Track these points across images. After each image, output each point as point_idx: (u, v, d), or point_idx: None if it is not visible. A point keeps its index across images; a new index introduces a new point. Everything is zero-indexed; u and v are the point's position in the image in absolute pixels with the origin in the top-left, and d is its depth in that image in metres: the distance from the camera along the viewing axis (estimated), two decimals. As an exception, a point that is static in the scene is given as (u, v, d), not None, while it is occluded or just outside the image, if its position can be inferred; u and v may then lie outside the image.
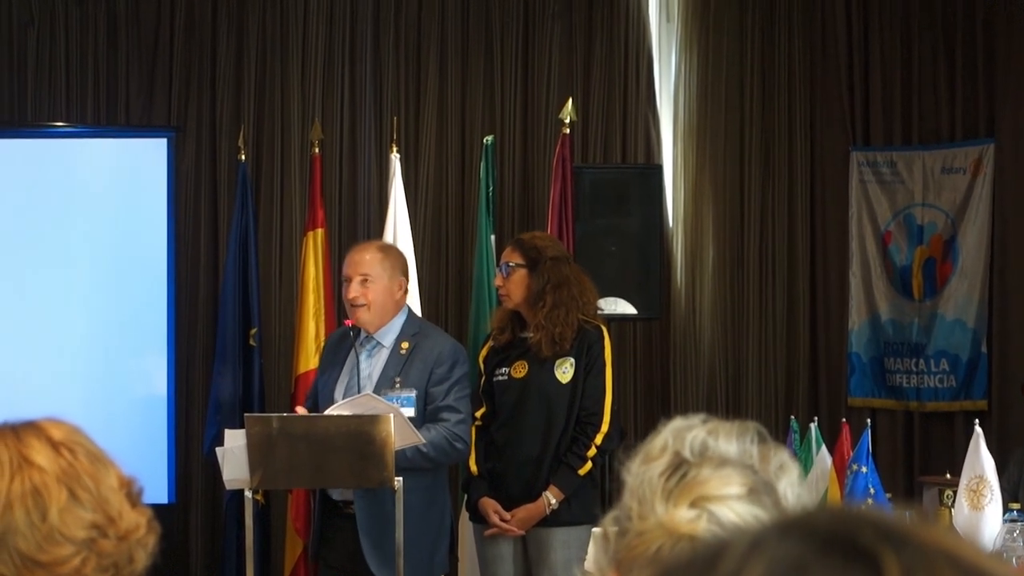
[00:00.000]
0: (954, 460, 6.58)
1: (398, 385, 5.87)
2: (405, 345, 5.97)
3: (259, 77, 8.35)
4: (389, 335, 6.01)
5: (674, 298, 8.27)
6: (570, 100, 7.57)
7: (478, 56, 8.35)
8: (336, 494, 5.94)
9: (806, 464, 5.66)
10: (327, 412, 5.67)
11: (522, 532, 6.11)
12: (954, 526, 5.16)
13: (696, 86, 8.37)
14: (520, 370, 6.18)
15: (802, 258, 8.36)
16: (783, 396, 8.31)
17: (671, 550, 1.78)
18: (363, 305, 5.95)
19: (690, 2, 8.37)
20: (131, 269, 7.78)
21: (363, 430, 5.45)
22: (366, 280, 5.97)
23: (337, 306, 7.47)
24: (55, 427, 1.95)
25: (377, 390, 5.85)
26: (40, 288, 7.68)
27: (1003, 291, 8.01)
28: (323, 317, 7.53)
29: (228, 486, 5.87)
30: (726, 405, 8.16)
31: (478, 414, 6.17)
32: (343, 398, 5.81)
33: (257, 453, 5.50)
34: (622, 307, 7.39)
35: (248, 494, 5.68)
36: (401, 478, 5.47)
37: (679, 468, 1.85)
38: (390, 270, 6.02)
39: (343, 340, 6.13)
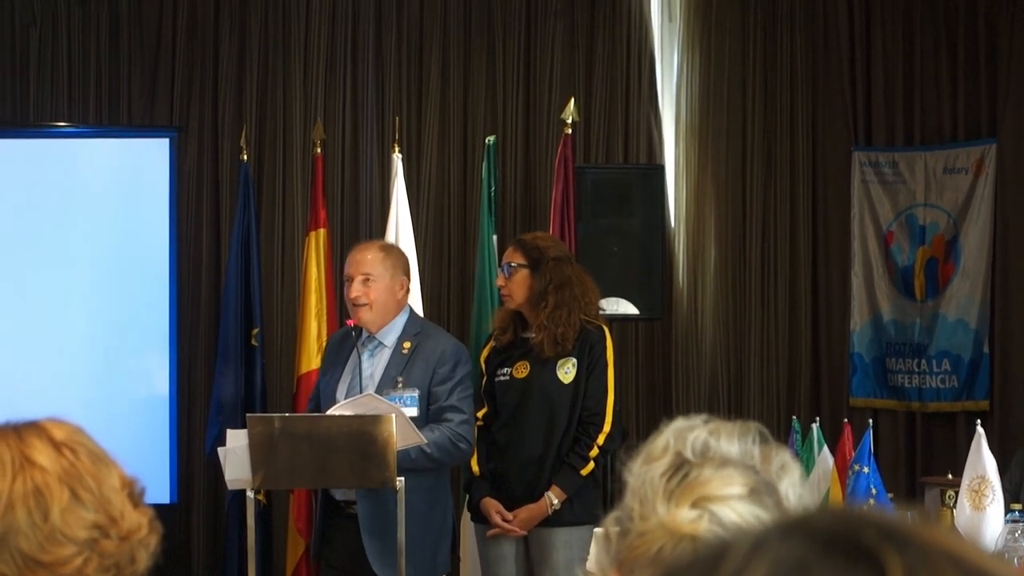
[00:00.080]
0: (956, 460, 6.57)
1: (400, 385, 5.87)
2: (407, 345, 5.97)
3: (261, 77, 8.35)
4: (391, 335, 6.01)
5: (676, 298, 8.27)
6: (572, 100, 7.57)
7: (480, 56, 8.35)
8: (339, 494, 5.94)
9: (808, 464, 5.66)
10: (329, 412, 5.67)
11: (524, 532, 6.11)
12: (956, 526, 5.15)
13: (698, 86, 8.37)
14: (522, 370, 6.18)
15: (804, 258, 8.36)
16: (785, 396, 8.31)
17: (673, 550, 1.78)
18: (365, 304, 5.95)
19: (692, 2, 8.37)
20: (133, 269, 7.78)
21: (365, 430, 5.45)
22: (368, 279, 5.97)
23: (339, 306, 7.47)
24: (57, 427, 1.96)
25: (379, 390, 5.85)
26: (42, 288, 7.68)
27: (1005, 291, 8.01)
28: (325, 317, 7.53)
29: (230, 486, 5.87)
30: (728, 405, 8.16)
31: (479, 414, 6.17)
32: (345, 398, 5.81)
33: (259, 453, 5.50)
34: (624, 307, 7.39)
35: (250, 494, 5.67)
36: (403, 478, 5.47)
37: (681, 468, 1.85)
38: (392, 269, 6.02)
39: (345, 340, 6.13)
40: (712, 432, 1.90)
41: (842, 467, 5.70)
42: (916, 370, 8.19)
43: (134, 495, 1.95)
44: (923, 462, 8.09)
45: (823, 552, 0.86)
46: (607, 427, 6.10)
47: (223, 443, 5.66)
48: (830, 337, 8.35)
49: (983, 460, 5.24)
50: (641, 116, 8.33)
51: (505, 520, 6.10)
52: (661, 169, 8.08)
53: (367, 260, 6.01)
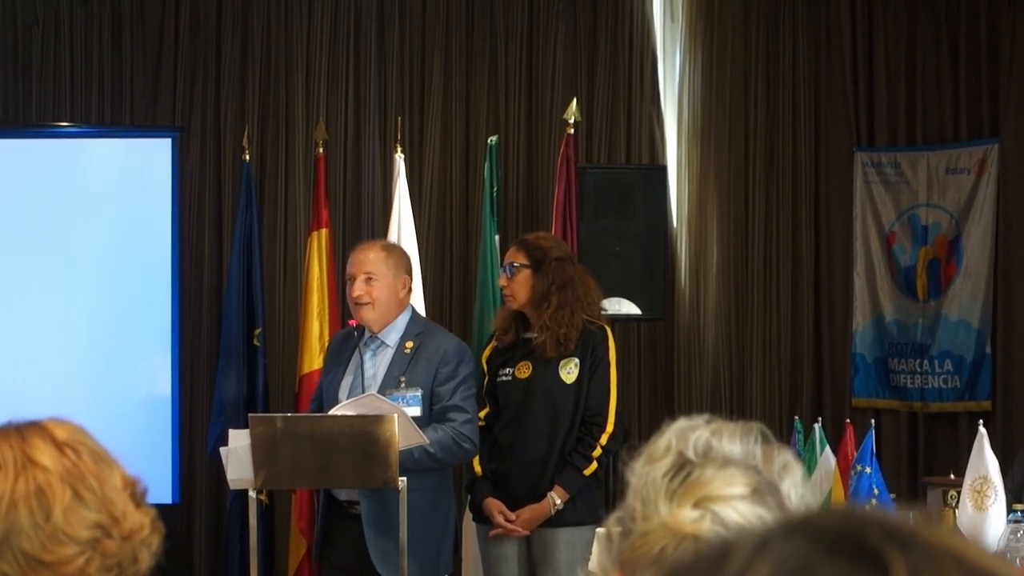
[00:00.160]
0: (958, 461, 6.57)
1: (403, 384, 5.87)
2: (410, 344, 5.97)
3: (263, 77, 8.35)
4: (393, 334, 6.01)
5: (678, 298, 8.27)
6: (574, 100, 7.57)
7: (482, 56, 8.35)
8: (342, 494, 5.94)
9: (810, 465, 5.66)
10: (331, 412, 5.67)
11: (527, 532, 6.11)
12: (958, 527, 5.15)
13: (700, 86, 8.37)
14: (524, 371, 6.18)
15: (806, 259, 8.36)
16: (787, 396, 8.31)
17: (675, 550, 1.78)
18: (367, 303, 5.95)
19: (694, 2, 8.37)
20: (135, 269, 7.78)
21: (367, 430, 5.46)
22: (370, 278, 5.97)
23: (341, 306, 7.47)
24: (59, 427, 1.96)
25: (382, 389, 5.85)
26: (44, 288, 7.68)
27: (1008, 291, 8.01)
28: (327, 317, 7.53)
29: (232, 486, 5.88)
30: (730, 405, 8.16)
31: (481, 415, 6.16)
32: (347, 398, 5.81)
33: (261, 453, 5.50)
34: (626, 307, 7.39)
35: (252, 494, 5.68)
36: (405, 478, 5.47)
37: (683, 468, 1.84)
38: (394, 268, 6.02)
39: (347, 340, 6.13)
40: (714, 432, 1.90)
41: (844, 467, 5.70)
42: (918, 370, 8.19)
43: (136, 495, 1.95)
44: (925, 462, 8.09)
45: (827, 552, 0.86)
46: (610, 427, 6.10)
47: (225, 443, 5.66)
48: (832, 337, 8.35)
49: (985, 460, 5.24)
50: (643, 116, 8.33)
51: (508, 520, 6.10)
52: (663, 169, 8.08)
53: (369, 259, 6.02)
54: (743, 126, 8.36)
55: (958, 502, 5.35)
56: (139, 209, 7.83)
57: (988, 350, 8.03)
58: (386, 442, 5.43)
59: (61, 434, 1.94)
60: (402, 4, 8.34)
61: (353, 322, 6.06)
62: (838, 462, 5.73)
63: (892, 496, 5.57)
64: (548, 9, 8.33)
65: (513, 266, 6.21)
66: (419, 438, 5.58)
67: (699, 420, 1.93)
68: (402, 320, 6.03)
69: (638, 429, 7.84)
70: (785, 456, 1.92)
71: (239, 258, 7.75)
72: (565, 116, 7.51)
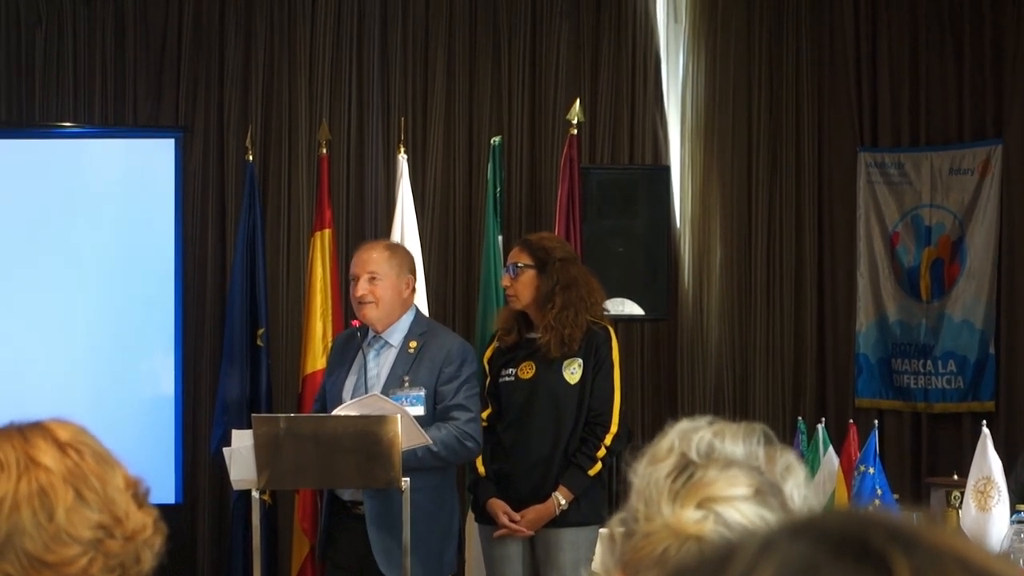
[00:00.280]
0: (961, 461, 6.57)
1: (407, 384, 5.87)
2: (413, 344, 5.97)
3: (266, 77, 8.35)
4: (397, 334, 6.01)
5: (681, 299, 8.27)
6: (578, 101, 7.57)
7: (486, 56, 8.34)
8: (346, 494, 5.94)
9: (813, 465, 5.66)
10: (334, 412, 5.68)
11: (531, 533, 6.11)
12: (961, 527, 5.15)
13: (704, 87, 8.36)
14: (527, 371, 6.18)
15: (809, 259, 8.36)
16: (790, 397, 8.31)
17: (677, 551, 1.78)
18: (371, 302, 5.96)
19: (698, 3, 8.37)
20: (138, 269, 7.78)
21: (370, 430, 5.46)
22: (374, 278, 5.97)
23: (344, 307, 7.47)
24: (61, 428, 1.96)
25: (386, 389, 5.85)
26: (47, 288, 7.68)
27: (1011, 292, 8.01)
28: (330, 317, 7.53)
29: (235, 486, 5.88)
30: (733, 406, 8.16)
31: (484, 415, 6.16)
32: (351, 398, 5.81)
33: (264, 453, 5.50)
34: (629, 308, 7.39)
35: (255, 494, 5.68)
36: (408, 478, 5.47)
37: (685, 469, 1.84)
38: (398, 268, 6.02)
39: (350, 340, 6.14)
40: (717, 433, 1.90)
41: (847, 468, 5.69)
42: (922, 371, 8.19)
43: (139, 495, 1.95)
44: (928, 463, 8.09)
45: (831, 553, 0.86)
46: (614, 427, 6.10)
47: (228, 443, 5.66)
48: (836, 338, 8.35)
49: (989, 461, 5.24)
50: (646, 117, 8.33)
51: (512, 521, 6.10)
52: (667, 170, 8.08)
53: (373, 258, 6.02)
54: (746, 126, 8.36)
55: (961, 503, 5.35)
56: (142, 209, 7.83)
57: (991, 351, 8.03)
58: (389, 442, 5.43)
59: (63, 434, 1.94)
60: (405, 4, 8.33)
61: (356, 322, 6.06)
62: (841, 463, 5.73)
63: (895, 497, 5.57)
64: (551, 9, 8.33)
65: (517, 266, 6.21)
66: (422, 438, 5.58)
67: (702, 421, 1.93)
68: (406, 320, 6.03)
69: (641, 430, 7.84)
70: (788, 457, 1.92)
71: (242, 258, 7.75)
72: (568, 116, 7.51)
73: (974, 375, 8.07)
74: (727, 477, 1.82)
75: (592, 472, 6.08)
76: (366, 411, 5.56)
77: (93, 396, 7.51)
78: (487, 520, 6.22)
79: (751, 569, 0.86)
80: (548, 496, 6.07)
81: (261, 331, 7.73)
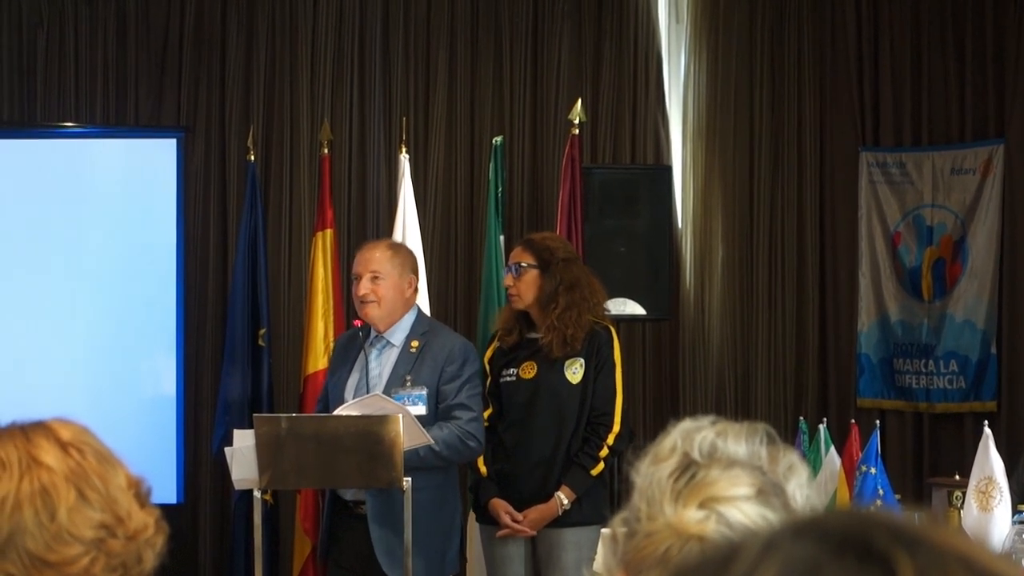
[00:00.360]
0: (963, 461, 6.57)
1: (409, 383, 5.87)
2: (415, 344, 5.97)
3: (268, 77, 8.35)
4: (399, 333, 6.01)
5: (683, 299, 8.27)
6: (579, 101, 7.57)
7: (487, 56, 8.35)
8: (348, 494, 5.94)
9: (815, 465, 5.66)
10: (336, 412, 5.68)
11: (534, 532, 6.11)
12: (963, 528, 5.15)
13: (705, 86, 8.36)
14: (529, 371, 6.17)
15: (811, 259, 8.35)
16: (792, 397, 8.31)
17: (680, 551, 1.78)
18: (373, 301, 5.96)
19: (699, 2, 8.37)
20: (139, 269, 7.78)
21: (372, 430, 5.46)
22: (376, 277, 5.97)
23: (346, 307, 7.48)
24: (63, 427, 1.96)
25: (388, 389, 5.85)
26: (49, 288, 7.69)
27: (1013, 292, 8.00)
28: (332, 317, 7.53)
29: (237, 486, 5.88)
30: (735, 406, 8.16)
31: (485, 415, 6.16)
32: (353, 398, 5.81)
33: (266, 453, 5.50)
34: (631, 308, 7.39)
35: (257, 494, 5.68)
36: (410, 478, 5.47)
37: (688, 469, 1.84)
38: (400, 267, 6.02)
39: (352, 340, 6.14)
40: (719, 433, 1.90)
41: (849, 468, 5.69)
42: (923, 371, 8.18)
43: (140, 495, 1.95)
44: (930, 463, 8.08)
45: (834, 553, 0.86)
46: (616, 427, 6.10)
47: (230, 443, 5.66)
48: (837, 338, 8.35)
49: (990, 461, 5.24)
50: (648, 116, 8.33)
51: (515, 520, 6.10)
52: (668, 170, 8.08)
53: (375, 258, 6.02)
54: (748, 126, 8.36)
55: (963, 503, 5.35)
56: (144, 209, 7.83)
57: (993, 351, 8.03)
58: (391, 442, 5.43)
59: (65, 434, 1.94)
60: (407, 5, 8.33)
61: (358, 322, 6.06)
62: (843, 463, 5.72)
63: (897, 497, 5.57)
64: (553, 9, 8.33)
65: (520, 266, 6.20)
66: (424, 438, 5.58)
67: (704, 421, 1.92)
68: (408, 319, 6.03)
69: (643, 430, 7.84)
70: (790, 457, 1.92)
71: (244, 258, 7.75)
72: (570, 116, 7.51)
73: (976, 375, 8.06)
74: (729, 477, 1.82)
75: (595, 472, 6.08)
76: (368, 411, 5.56)
77: (95, 396, 7.51)
78: (488, 520, 6.21)
79: (754, 569, 0.86)
80: (550, 496, 6.06)
81: (263, 331, 7.73)
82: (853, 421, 6.29)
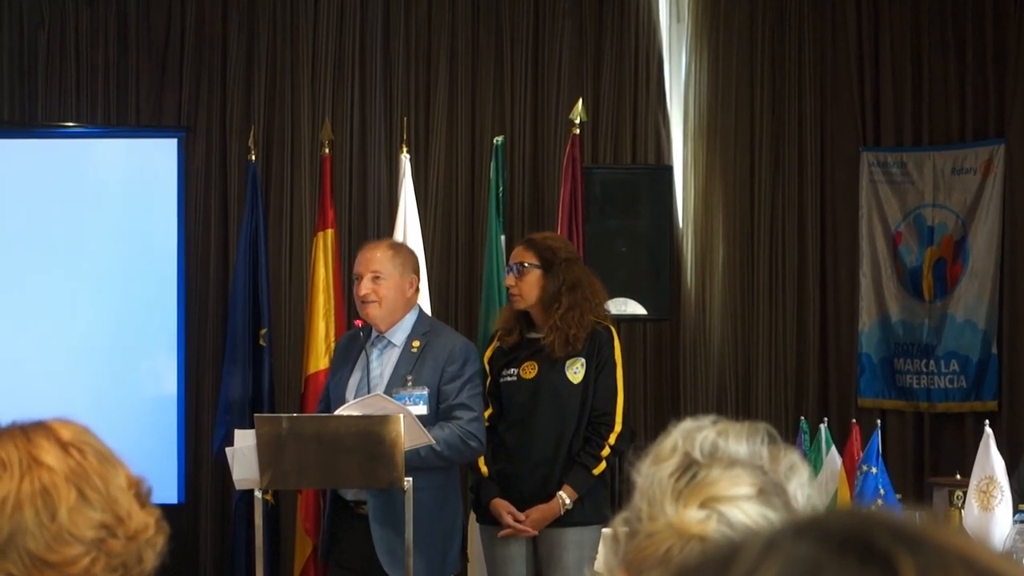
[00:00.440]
0: (964, 461, 6.57)
1: (410, 383, 5.87)
2: (416, 343, 5.97)
3: (269, 77, 8.35)
4: (400, 333, 6.01)
5: (684, 299, 8.27)
6: (580, 100, 7.57)
7: (488, 56, 8.34)
8: (349, 494, 5.94)
9: (816, 465, 5.66)
10: (337, 412, 5.68)
11: (536, 532, 6.10)
12: (964, 527, 5.15)
13: (706, 86, 8.36)
14: (530, 371, 6.17)
15: (812, 259, 8.35)
16: (793, 397, 8.30)
17: (681, 551, 1.78)
18: (374, 301, 5.96)
19: (700, 2, 8.37)
20: (141, 269, 7.78)
21: (373, 430, 5.46)
22: (377, 277, 5.97)
23: (347, 307, 7.48)
24: (64, 427, 1.95)
25: (389, 388, 5.85)
26: (49, 288, 7.69)
27: (1014, 292, 8.00)
28: (333, 317, 7.53)
29: (238, 486, 5.88)
30: (736, 406, 8.15)
31: (485, 415, 6.15)
32: (354, 398, 5.81)
33: (267, 453, 5.50)
34: (632, 308, 7.38)
35: (258, 494, 5.68)
36: (411, 478, 5.47)
37: (689, 469, 1.84)
38: (401, 267, 6.02)
39: (353, 341, 6.14)
40: (720, 433, 1.90)
41: (850, 468, 5.70)
42: (924, 371, 8.18)
43: (141, 495, 1.95)
44: (931, 463, 8.08)
45: (836, 553, 0.86)
46: (618, 426, 6.10)
47: (231, 443, 5.66)
48: (838, 337, 8.35)
49: (991, 460, 5.24)
50: (649, 116, 8.33)
51: (517, 520, 6.09)
52: (669, 169, 8.08)
53: (377, 258, 6.02)
54: (749, 126, 8.36)
55: (964, 502, 5.35)
56: (144, 210, 7.83)
57: (994, 350, 8.03)
58: (392, 442, 5.43)
59: (66, 434, 1.94)
60: (408, 4, 8.33)
61: (359, 322, 6.06)
62: (844, 462, 5.73)
63: (898, 497, 5.57)
64: (554, 9, 8.33)
65: (523, 266, 6.19)
66: (425, 438, 5.58)
67: (705, 421, 1.92)
68: (409, 319, 6.03)
69: (644, 429, 7.83)
70: (791, 457, 1.92)
71: (245, 258, 7.75)
72: (571, 116, 7.51)
73: (976, 375, 8.06)
74: (730, 477, 1.82)
75: (596, 471, 6.08)
76: (369, 411, 5.56)
77: (95, 396, 7.51)
78: (489, 520, 6.21)
79: (755, 569, 0.86)
80: (552, 496, 6.06)
81: (264, 331, 7.73)
82: (854, 421, 6.29)
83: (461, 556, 6.24)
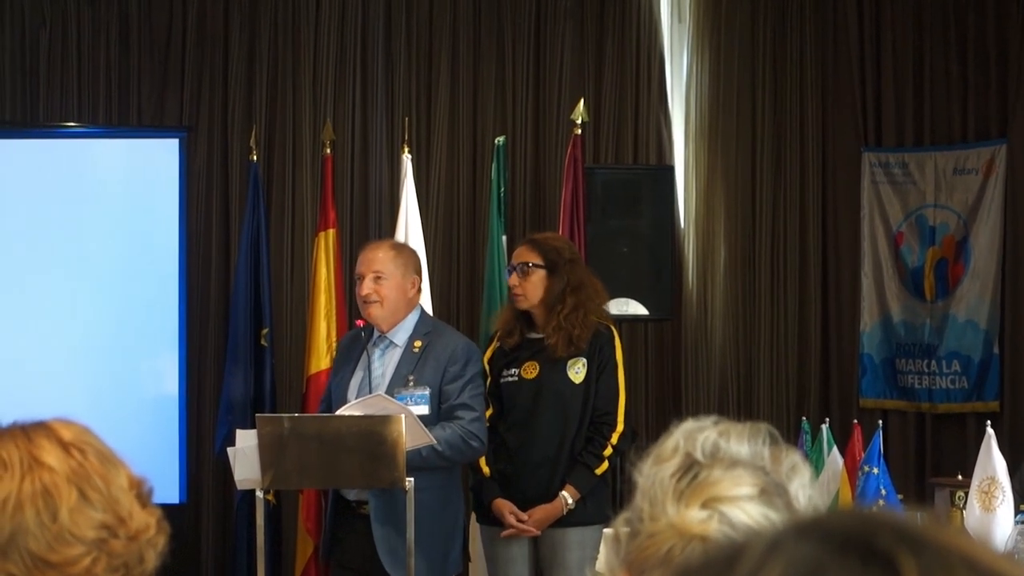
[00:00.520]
0: (966, 461, 6.57)
1: (411, 383, 5.87)
2: (418, 344, 5.97)
3: (271, 77, 8.35)
4: (402, 333, 6.01)
5: (686, 299, 8.27)
6: (582, 101, 7.57)
7: (490, 56, 8.34)
8: (351, 494, 5.94)
9: (817, 465, 5.66)
10: (338, 412, 5.68)
11: (539, 532, 6.10)
12: (965, 528, 5.15)
13: (708, 87, 8.36)
14: (531, 371, 6.17)
15: (814, 259, 8.35)
16: (795, 397, 8.30)
17: (682, 551, 1.77)
18: (376, 302, 5.95)
19: (701, 2, 8.37)
20: (142, 269, 7.78)
21: (374, 430, 5.46)
22: (379, 277, 5.97)
23: (349, 306, 7.48)
24: (65, 427, 1.95)
25: (390, 389, 5.85)
26: (51, 288, 7.69)
27: (1015, 292, 8.00)
28: (334, 317, 7.53)
29: (239, 486, 5.87)
30: (738, 406, 8.16)
31: (486, 415, 6.15)
32: (356, 398, 5.81)
33: (268, 453, 5.50)
34: (633, 308, 7.38)
35: (259, 494, 5.68)
36: (412, 478, 5.47)
37: (690, 469, 1.84)
38: (403, 268, 6.02)
39: (355, 341, 6.14)
40: (722, 433, 1.90)
41: (852, 468, 5.70)
42: (926, 371, 8.18)
43: (142, 495, 1.95)
44: (933, 463, 8.08)
45: (838, 553, 0.86)
46: (620, 426, 6.10)
47: (232, 443, 5.66)
48: (840, 338, 8.34)
49: (993, 461, 5.24)
50: (651, 117, 8.33)
51: (520, 520, 6.09)
52: (671, 170, 8.08)
53: (378, 258, 6.02)
54: (750, 126, 8.36)
55: (966, 503, 5.35)
56: (146, 209, 7.83)
57: (996, 351, 8.03)
58: (393, 442, 5.43)
59: (67, 434, 1.94)
60: (409, 5, 8.33)
61: (360, 322, 6.06)
62: (845, 463, 5.73)
63: (899, 497, 5.57)
64: (555, 9, 8.33)
65: (528, 266, 6.18)
66: (426, 438, 5.58)
67: (707, 421, 1.92)
68: (411, 319, 6.03)
69: (646, 430, 7.83)
70: (793, 457, 1.92)
71: (246, 258, 7.75)
72: (572, 116, 7.51)
73: (978, 375, 8.06)
74: (732, 477, 1.82)
75: (599, 471, 6.08)
76: (370, 411, 5.56)
77: (97, 396, 7.51)
78: (490, 521, 6.20)
79: (758, 569, 0.86)
80: (554, 496, 6.06)
81: (265, 331, 7.73)
82: (856, 421, 6.29)
83: (463, 556, 6.24)
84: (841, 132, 8.35)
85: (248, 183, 7.92)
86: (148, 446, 7.26)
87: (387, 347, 6.02)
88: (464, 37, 8.35)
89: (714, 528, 1.78)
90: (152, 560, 1.94)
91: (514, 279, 6.22)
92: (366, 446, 5.46)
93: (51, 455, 1.91)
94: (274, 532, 7.51)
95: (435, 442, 5.66)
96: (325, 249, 7.63)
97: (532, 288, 6.17)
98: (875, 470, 5.44)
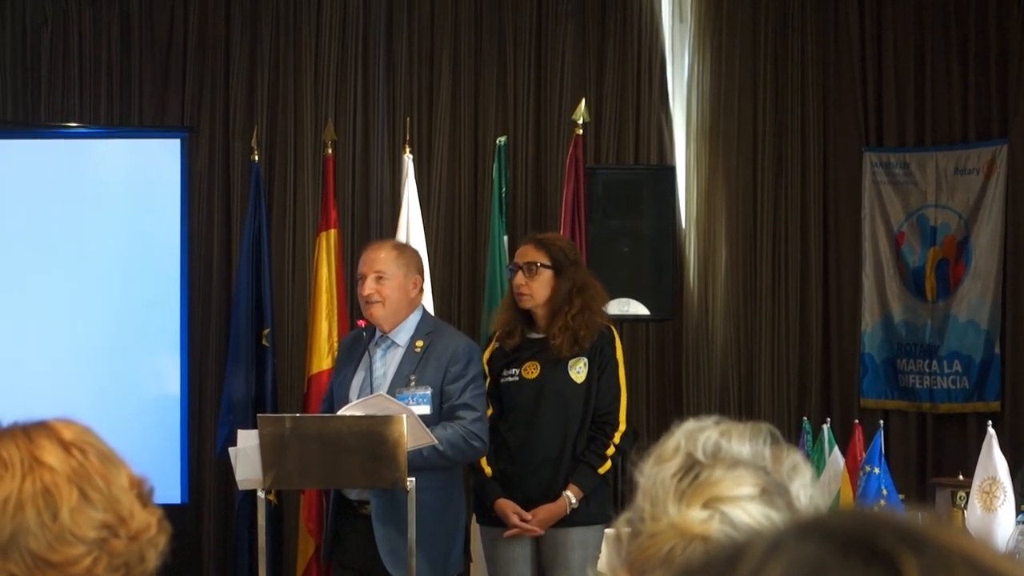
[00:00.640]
0: (967, 462, 6.57)
1: (413, 383, 5.87)
2: (420, 344, 5.97)
3: (272, 78, 8.35)
4: (403, 333, 6.01)
5: (687, 299, 8.27)
6: (583, 101, 7.57)
7: (491, 57, 8.35)
8: (353, 494, 5.94)
9: (819, 465, 5.66)
10: (340, 412, 5.68)
11: (542, 532, 6.10)
12: (967, 528, 5.15)
13: (709, 87, 8.36)
14: (532, 371, 6.17)
15: (815, 259, 8.35)
16: (796, 397, 8.30)
17: (683, 551, 1.77)
18: (378, 302, 5.95)
19: (703, 3, 8.37)
20: (144, 269, 7.79)
21: (376, 430, 5.45)
22: (381, 277, 5.97)
23: (350, 306, 7.48)
24: (66, 427, 1.95)
25: (392, 388, 5.85)
26: (53, 288, 7.69)
27: (1016, 292, 8.00)
28: (336, 317, 7.53)
29: (241, 486, 5.87)
30: (739, 406, 8.15)
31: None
32: (357, 398, 5.81)
33: (270, 453, 5.50)
34: (635, 308, 7.39)
35: (261, 494, 5.68)
36: (413, 478, 5.47)
37: (692, 469, 1.84)
38: (405, 268, 6.02)
39: (357, 341, 6.14)
40: (723, 433, 1.90)
41: (853, 468, 5.69)
42: (927, 371, 8.18)
43: (143, 495, 1.95)
44: (934, 463, 8.08)
45: (840, 553, 0.85)
46: (622, 426, 6.11)
47: (234, 443, 5.66)
48: (841, 338, 8.34)
49: (994, 461, 5.24)
50: (652, 117, 8.32)
51: (523, 520, 6.09)
52: (672, 170, 8.08)
53: (380, 258, 6.02)
54: (752, 126, 8.36)
55: (967, 503, 5.35)
56: (148, 210, 7.84)
57: (997, 351, 8.02)
58: (394, 442, 5.43)
59: (68, 434, 1.94)
60: (410, 5, 8.33)
61: (362, 322, 6.06)
62: (847, 463, 5.72)
63: (901, 497, 5.57)
64: (556, 10, 8.33)
65: (535, 265, 6.18)
66: (428, 438, 5.58)
67: (708, 421, 1.92)
68: (413, 319, 6.03)
69: (647, 430, 7.84)
70: (794, 457, 1.92)
71: (248, 258, 7.76)
72: (574, 117, 7.51)
73: (979, 375, 8.06)
74: (733, 477, 1.82)
75: (602, 470, 6.08)
76: (372, 411, 5.55)
77: (98, 396, 7.51)
78: (491, 522, 6.20)
79: (759, 569, 0.86)
80: (557, 496, 6.06)
81: (267, 331, 7.73)
82: (857, 421, 6.29)
83: (464, 556, 6.24)
84: (842, 132, 8.34)
85: (249, 183, 7.92)
86: (149, 446, 7.27)
87: (389, 347, 6.02)
88: (465, 38, 8.35)
89: (715, 528, 1.78)
90: (153, 560, 1.94)
91: (520, 278, 6.21)
92: (367, 446, 5.46)
93: (52, 455, 1.91)
94: (275, 532, 7.51)
95: (436, 442, 5.66)
96: (326, 249, 7.63)
97: (539, 288, 6.17)
98: (876, 470, 5.44)
